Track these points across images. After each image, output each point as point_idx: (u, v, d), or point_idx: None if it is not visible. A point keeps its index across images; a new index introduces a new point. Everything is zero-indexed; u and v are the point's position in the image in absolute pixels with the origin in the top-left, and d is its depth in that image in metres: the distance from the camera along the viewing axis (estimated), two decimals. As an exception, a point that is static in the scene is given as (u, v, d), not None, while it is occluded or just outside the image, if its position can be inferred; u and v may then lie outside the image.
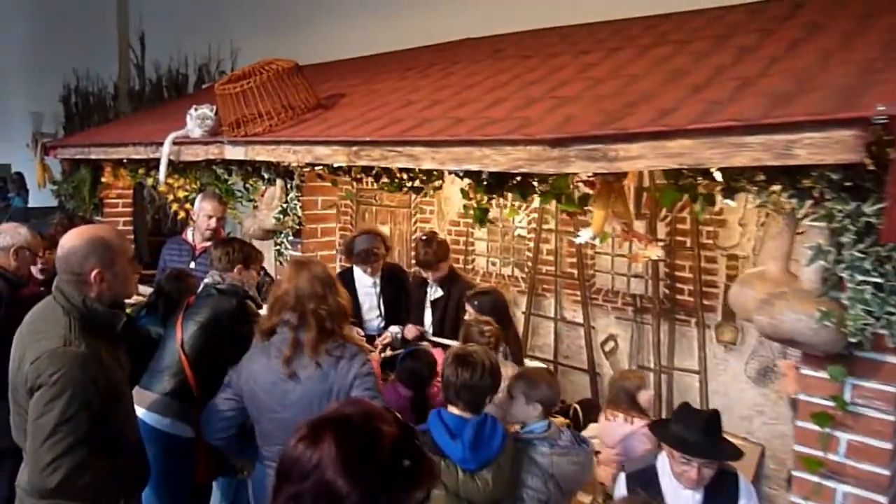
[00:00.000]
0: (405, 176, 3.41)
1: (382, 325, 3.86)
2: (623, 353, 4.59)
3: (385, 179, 3.46)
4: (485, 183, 2.90)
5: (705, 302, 4.11)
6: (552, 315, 4.92)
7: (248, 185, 4.27)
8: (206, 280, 2.93)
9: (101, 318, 1.95)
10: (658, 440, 2.42)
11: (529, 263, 5.03)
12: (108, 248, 1.95)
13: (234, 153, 3.70)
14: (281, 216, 3.76)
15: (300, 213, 3.79)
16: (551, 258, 4.91)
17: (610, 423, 2.95)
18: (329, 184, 4.03)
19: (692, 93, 2.36)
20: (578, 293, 4.74)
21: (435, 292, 3.66)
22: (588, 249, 4.70)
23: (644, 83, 2.64)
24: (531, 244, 5.02)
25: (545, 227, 4.88)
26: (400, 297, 3.90)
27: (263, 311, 2.67)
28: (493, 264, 5.37)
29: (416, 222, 5.94)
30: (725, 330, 4.05)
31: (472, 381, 2.25)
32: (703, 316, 4.11)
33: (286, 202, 3.80)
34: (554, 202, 2.91)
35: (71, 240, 1.95)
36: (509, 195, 2.94)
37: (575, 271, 4.74)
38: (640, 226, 4.42)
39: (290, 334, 2.20)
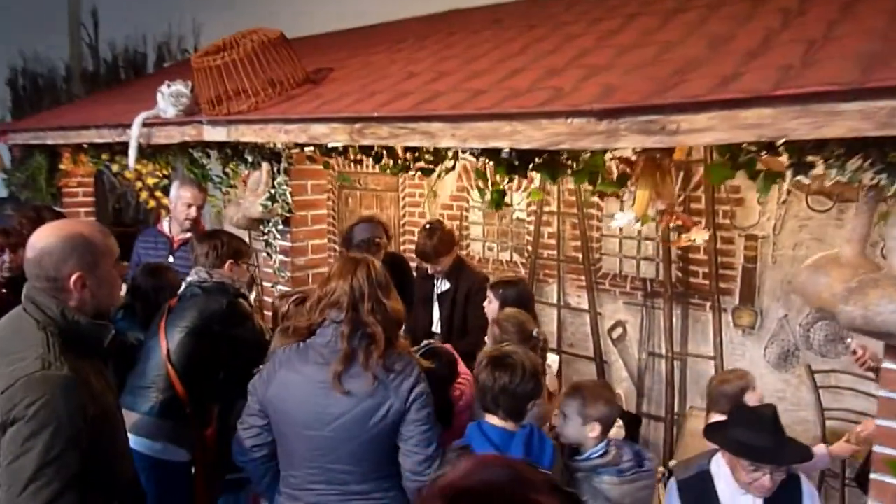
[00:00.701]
0: (410, 156, 3.10)
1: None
2: (632, 339, 4.38)
3: (387, 161, 3.13)
4: (507, 162, 2.62)
5: (721, 285, 3.91)
6: (555, 302, 4.68)
7: (227, 170, 3.89)
8: (189, 278, 2.58)
9: (84, 332, 1.60)
10: (721, 447, 2.19)
11: (529, 248, 4.77)
12: (91, 248, 1.61)
13: (214, 134, 3.33)
14: (269, 203, 3.40)
15: (290, 199, 3.44)
16: (553, 242, 4.65)
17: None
18: (321, 166, 3.69)
19: (749, 58, 2.10)
20: (583, 278, 4.50)
21: (441, 285, 3.37)
22: (594, 232, 4.46)
23: (685, 49, 2.38)
24: (531, 227, 4.76)
25: (546, 209, 4.61)
26: (402, 290, 3.59)
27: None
28: (490, 249, 5.09)
29: (404, 206, 5.61)
30: (743, 314, 3.86)
31: (512, 386, 1.98)
32: (719, 299, 3.91)
33: (273, 187, 3.44)
34: (570, 185, 2.64)
35: (44, 238, 1.60)
36: (535, 175, 2.66)
37: (579, 255, 4.50)
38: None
39: (343, 343, 1.91)
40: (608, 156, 2.40)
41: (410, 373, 1.96)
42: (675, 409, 4.17)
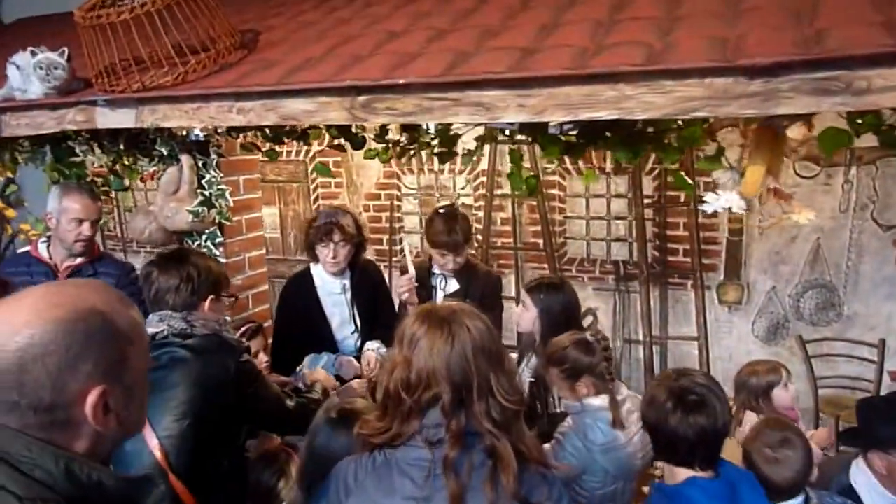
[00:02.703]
0: (404, 138, 2.42)
1: (359, 341, 2.85)
2: (605, 327, 4.04)
3: (374, 145, 2.42)
4: (563, 138, 2.06)
5: (704, 261, 3.69)
6: (513, 294, 4.22)
7: (117, 168, 2.90)
8: (153, 330, 1.72)
9: (112, 499, 0.81)
10: (873, 456, 1.86)
11: (479, 237, 4.24)
12: (113, 333, 0.82)
13: (114, 119, 2.38)
14: (202, 209, 2.52)
15: (230, 202, 2.59)
16: (508, 228, 4.17)
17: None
18: (256, 156, 2.86)
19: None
20: (546, 266, 4.08)
21: (449, 286, 2.73)
22: (556, 214, 4.04)
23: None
24: (479, 214, 4.23)
25: (499, 191, 4.11)
26: (377, 302, 2.90)
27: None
28: (430, 242, 4.49)
29: (317, 199, 4.80)
30: (729, 289, 3.67)
31: (713, 429, 1.50)
32: (702, 276, 3.69)
33: (203, 187, 2.57)
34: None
35: (19, 325, 0.78)
36: (593, 154, 2.13)
37: (540, 241, 4.07)
38: (620, 181, 3.87)
39: (450, 475, 1.17)
40: (714, 125, 1.94)
41: (559, 498, 1.25)
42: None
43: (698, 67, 1.58)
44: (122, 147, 2.70)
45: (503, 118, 1.81)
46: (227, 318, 1.87)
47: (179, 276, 1.74)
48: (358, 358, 2.77)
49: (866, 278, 3.37)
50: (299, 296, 2.73)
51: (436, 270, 2.73)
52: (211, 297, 1.79)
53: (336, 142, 2.46)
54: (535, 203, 4.02)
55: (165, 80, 2.22)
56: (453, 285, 2.71)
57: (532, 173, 2.34)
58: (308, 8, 2.98)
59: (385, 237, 4.47)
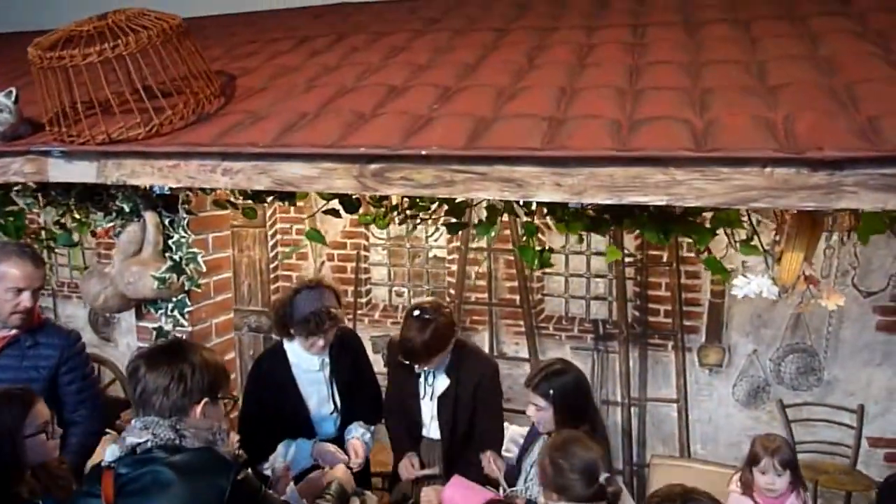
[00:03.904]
0: (405, 203, 2.21)
1: (338, 422, 2.58)
2: (582, 388, 3.91)
3: (371, 210, 2.21)
4: (585, 216, 1.91)
5: (686, 322, 3.62)
6: (487, 351, 4.03)
7: (63, 221, 2.56)
8: (134, 440, 1.43)
9: None
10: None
11: (452, 291, 4.05)
12: None
13: (70, 172, 2.08)
14: (170, 275, 2.22)
15: (202, 266, 2.30)
16: (483, 283, 4.00)
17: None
18: (224, 211, 2.58)
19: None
20: (521, 323, 3.92)
21: (437, 382, 2.49)
22: (533, 271, 3.90)
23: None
24: (453, 267, 4.04)
25: (473, 245, 3.94)
26: (357, 377, 2.65)
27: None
28: (399, 295, 4.26)
29: (275, 246, 4.49)
30: (710, 351, 3.61)
31: None
32: (683, 338, 3.62)
33: (171, 249, 2.27)
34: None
35: None
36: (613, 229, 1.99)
37: (516, 297, 3.91)
38: (601, 239, 3.77)
39: None
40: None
41: None
42: (635, 460, 3.80)
43: (760, 157, 1.47)
44: (73, 200, 2.37)
45: (537, 196, 1.64)
46: (224, 427, 1.57)
47: (170, 375, 1.48)
48: (337, 441, 2.51)
49: (846, 344, 3.38)
50: (273, 376, 2.45)
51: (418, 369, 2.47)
52: (205, 400, 1.52)
53: (328, 206, 2.22)
54: (511, 258, 3.88)
55: (136, 133, 1.94)
56: (443, 381, 2.47)
57: (547, 246, 2.14)
58: (285, 49, 2.76)
59: (350, 289, 4.21)
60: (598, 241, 3.74)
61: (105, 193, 2.35)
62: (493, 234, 2.08)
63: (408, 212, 2.23)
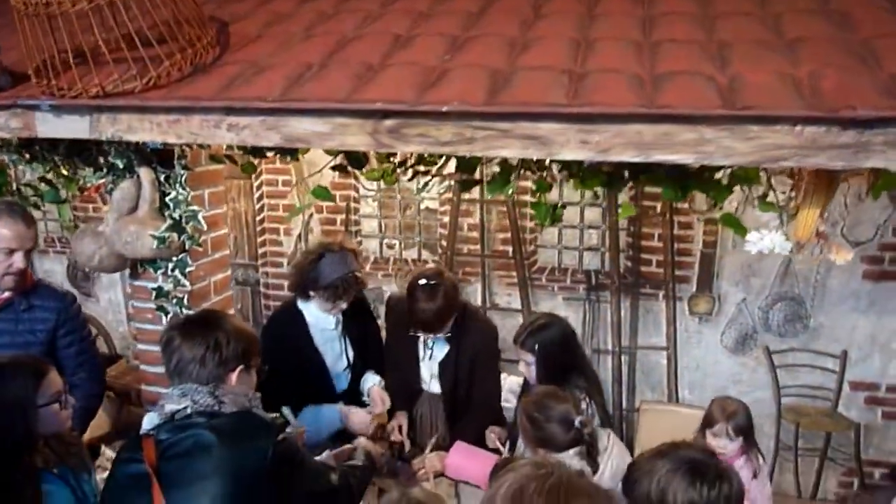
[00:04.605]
0: (413, 159, 2.16)
1: (349, 376, 2.58)
2: (574, 337, 3.97)
3: (380, 165, 2.14)
4: (602, 173, 1.89)
5: (677, 272, 3.66)
6: (479, 303, 4.05)
7: (49, 178, 2.45)
8: (174, 406, 1.42)
9: None
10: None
11: (444, 243, 4.02)
12: None
13: (61, 128, 1.97)
14: (170, 234, 2.15)
15: (202, 224, 2.23)
16: (475, 234, 3.97)
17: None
18: (219, 165, 2.49)
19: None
20: (514, 274, 3.93)
21: (437, 348, 2.49)
22: (527, 222, 3.89)
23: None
24: (445, 219, 4.00)
25: (466, 196, 3.89)
26: (367, 333, 2.65)
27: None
28: (391, 247, 4.22)
29: (261, 198, 4.39)
30: (700, 300, 3.67)
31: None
32: (674, 288, 3.67)
33: (169, 207, 2.19)
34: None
35: None
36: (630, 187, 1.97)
37: (509, 248, 3.90)
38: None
39: None
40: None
41: None
42: (624, 406, 3.90)
43: (791, 115, 1.45)
44: (60, 155, 2.25)
45: (561, 155, 1.60)
46: (258, 394, 1.58)
47: (206, 345, 1.49)
48: (351, 394, 2.53)
49: (833, 292, 3.46)
50: (290, 337, 2.42)
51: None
52: (240, 367, 1.53)
53: (335, 162, 2.15)
54: (504, 209, 3.85)
55: (133, 86, 1.83)
56: (442, 345, 2.46)
57: (560, 203, 2.12)
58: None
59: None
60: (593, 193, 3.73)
61: (95, 148, 2.24)
62: (510, 191, 2.03)
63: (417, 167, 2.17)
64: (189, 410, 1.44)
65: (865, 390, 3.53)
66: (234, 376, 1.51)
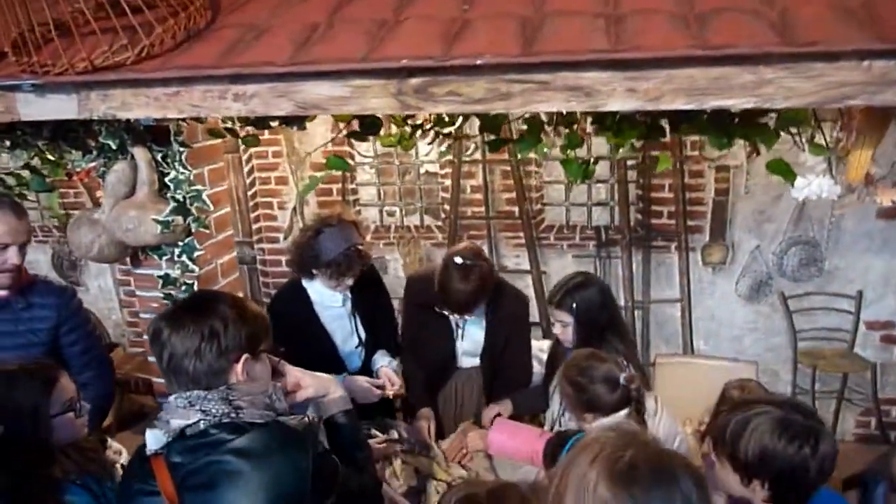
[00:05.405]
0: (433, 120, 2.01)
1: (363, 355, 2.48)
2: (585, 295, 3.89)
3: (395, 129, 2.00)
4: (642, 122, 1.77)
5: (689, 223, 3.58)
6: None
7: (32, 163, 2.27)
8: (181, 422, 1.25)
9: None
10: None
11: (447, 207, 3.89)
12: None
13: (46, 108, 1.80)
14: (174, 218, 2.00)
15: (208, 205, 2.08)
16: (479, 196, 3.85)
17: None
18: (218, 140, 2.33)
19: None
20: (521, 234, 3.82)
21: (473, 324, 2.38)
22: (531, 180, 3.76)
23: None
24: (447, 182, 3.86)
25: (467, 157, 3.75)
26: (378, 308, 2.53)
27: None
28: (391, 215, 4.08)
29: (251, 171, 4.20)
30: (714, 250, 3.61)
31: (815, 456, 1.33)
32: (687, 239, 3.60)
33: (170, 188, 2.03)
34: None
35: None
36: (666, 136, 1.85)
37: (515, 209, 3.79)
38: (601, 142, 3.63)
39: None
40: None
41: None
42: (640, 360, 3.86)
43: (858, 49, 1.33)
44: (44, 139, 2.08)
45: (607, 106, 1.48)
46: (278, 385, 1.41)
47: (200, 334, 1.24)
48: (364, 374, 2.42)
49: (847, 233, 3.41)
50: (294, 316, 2.30)
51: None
52: (245, 356, 1.28)
53: (349, 128, 2.00)
54: (508, 168, 3.72)
55: (125, 57, 1.66)
56: (475, 322, 2.35)
57: (591, 158, 2.00)
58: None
59: (339, 211, 3.99)
60: (600, 145, 3.60)
61: (82, 129, 2.07)
62: (546, 150, 1.90)
63: (438, 129, 2.02)
64: (203, 425, 1.21)
65: (881, 329, 3.52)
66: (238, 367, 1.27)
